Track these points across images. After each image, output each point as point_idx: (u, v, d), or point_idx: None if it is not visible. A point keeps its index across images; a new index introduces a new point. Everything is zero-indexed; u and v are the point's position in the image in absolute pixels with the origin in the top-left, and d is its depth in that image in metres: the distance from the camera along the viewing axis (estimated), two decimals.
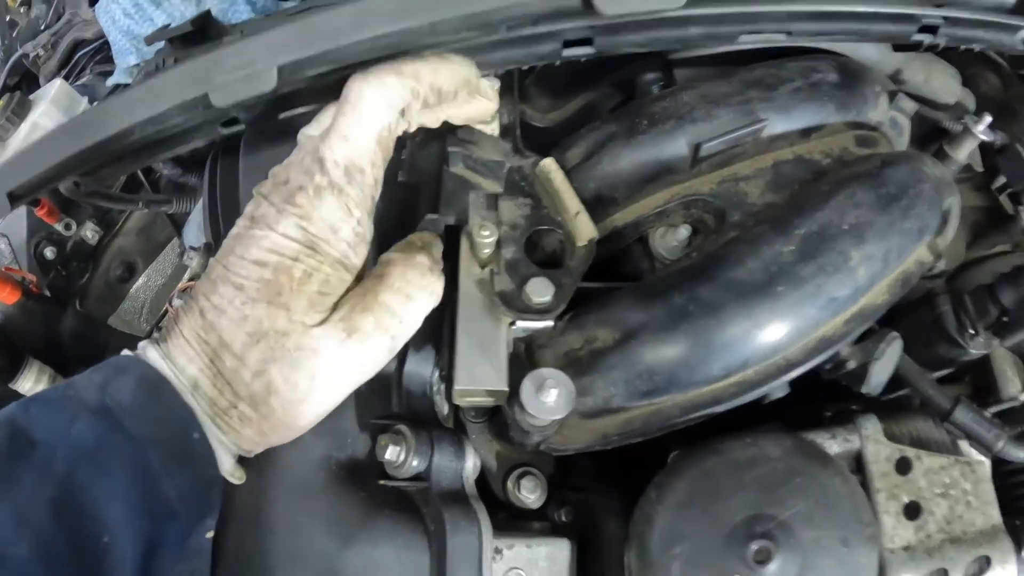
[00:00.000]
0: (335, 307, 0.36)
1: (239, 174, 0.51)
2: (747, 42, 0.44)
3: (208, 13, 0.51)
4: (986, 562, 0.43)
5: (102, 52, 0.89)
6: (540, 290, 0.43)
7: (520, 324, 0.44)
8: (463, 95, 0.40)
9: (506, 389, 0.41)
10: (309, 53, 0.38)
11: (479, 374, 0.42)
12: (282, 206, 0.36)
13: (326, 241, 0.36)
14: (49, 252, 0.80)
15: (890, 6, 0.43)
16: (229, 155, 0.53)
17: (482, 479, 0.48)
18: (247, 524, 0.41)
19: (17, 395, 0.74)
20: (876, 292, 0.43)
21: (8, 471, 0.32)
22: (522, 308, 0.43)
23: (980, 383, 0.53)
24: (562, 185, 0.47)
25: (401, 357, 0.47)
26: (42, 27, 1.01)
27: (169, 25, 0.59)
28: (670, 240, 0.48)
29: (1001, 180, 0.61)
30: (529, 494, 0.49)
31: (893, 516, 0.43)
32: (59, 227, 0.79)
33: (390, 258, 0.39)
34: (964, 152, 0.56)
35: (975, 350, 0.48)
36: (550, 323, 0.44)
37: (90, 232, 0.81)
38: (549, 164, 0.48)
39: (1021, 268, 0.46)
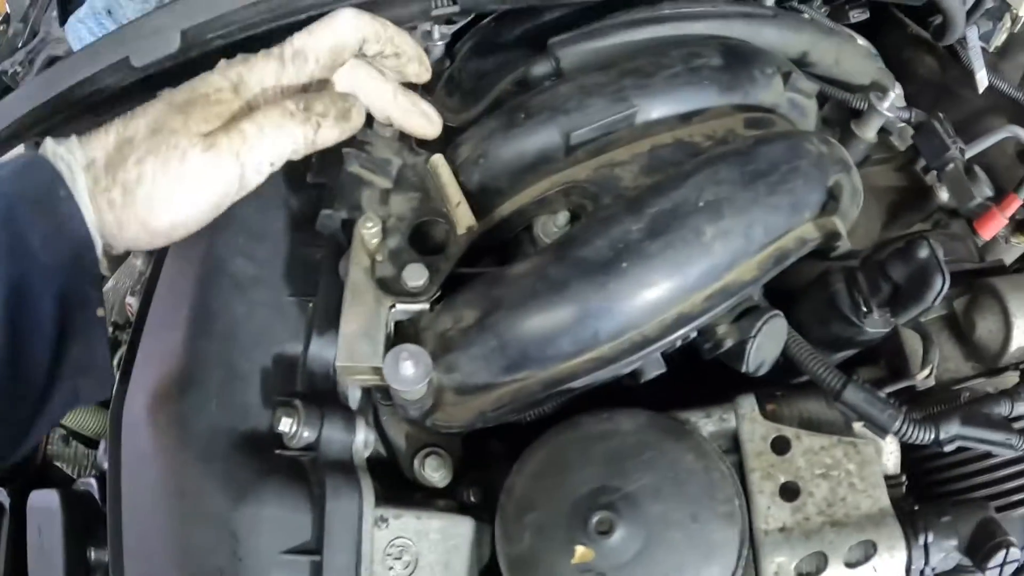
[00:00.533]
0: (214, 131, 0.42)
1: None
2: None
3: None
4: (872, 547, 0.41)
5: None
6: (415, 275, 0.47)
7: (399, 307, 0.47)
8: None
9: (381, 365, 0.45)
10: (207, 18, 0.45)
11: (358, 352, 0.46)
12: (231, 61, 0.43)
13: (249, 88, 0.42)
14: None
15: None
16: None
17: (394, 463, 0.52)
18: (152, 485, 0.46)
19: None
20: (743, 269, 0.44)
21: None
22: (399, 292, 0.47)
23: (895, 366, 0.51)
24: (448, 179, 0.51)
25: (306, 340, 0.52)
26: (19, 45, 1.11)
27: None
28: (551, 226, 0.50)
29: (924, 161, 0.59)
30: (434, 472, 0.52)
31: (768, 496, 0.43)
32: None
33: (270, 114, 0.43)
34: (871, 130, 0.55)
35: (871, 328, 0.47)
36: (426, 306, 0.47)
37: None
38: (437, 159, 0.51)
39: (911, 242, 0.45)
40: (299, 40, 0.44)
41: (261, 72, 0.43)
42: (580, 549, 0.38)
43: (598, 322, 0.42)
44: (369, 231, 0.48)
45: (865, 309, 0.47)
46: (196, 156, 0.41)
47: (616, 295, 0.41)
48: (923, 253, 0.43)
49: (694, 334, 0.47)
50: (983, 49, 0.67)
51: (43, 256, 0.39)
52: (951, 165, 0.57)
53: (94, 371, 0.42)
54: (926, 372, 0.48)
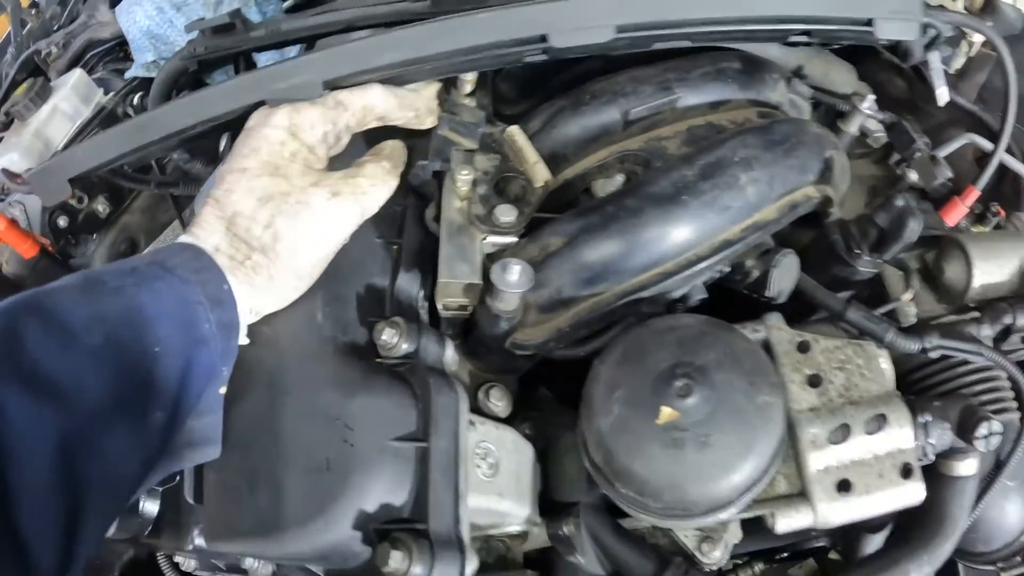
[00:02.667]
0: (320, 182, 0.54)
1: None
2: (659, 47, 0.64)
3: (239, 10, 0.72)
4: (884, 420, 0.56)
5: (112, 53, 1.08)
6: (506, 213, 0.60)
7: (490, 239, 0.60)
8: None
9: (480, 282, 0.57)
10: (344, 72, 0.58)
11: (458, 270, 0.58)
12: (276, 106, 0.55)
13: (304, 131, 0.54)
14: (62, 221, 0.91)
15: (766, 24, 0.63)
16: None
17: None
18: (263, 388, 0.54)
19: None
20: (767, 210, 0.60)
21: (86, 296, 0.46)
22: (492, 226, 0.60)
23: (883, 296, 0.68)
24: (524, 144, 0.66)
25: (392, 275, 0.63)
26: (55, 27, 1.19)
27: (203, 18, 0.79)
28: (608, 187, 0.65)
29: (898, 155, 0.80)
30: (498, 402, 0.63)
31: (798, 385, 0.57)
32: (73, 200, 0.91)
33: (365, 160, 0.58)
34: (854, 126, 0.75)
35: (863, 268, 0.64)
36: (514, 239, 0.60)
37: (101, 206, 0.92)
38: (514, 129, 0.67)
39: (890, 197, 0.63)
40: (342, 94, 0.57)
41: (310, 116, 0.55)
42: (666, 411, 0.50)
43: (664, 242, 0.57)
44: (464, 177, 0.62)
45: (857, 251, 0.64)
46: (323, 204, 0.53)
47: (678, 221, 0.57)
48: (900, 202, 0.61)
49: (728, 269, 0.62)
50: (944, 71, 0.89)
51: (210, 338, 0.48)
52: (918, 154, 0.78)
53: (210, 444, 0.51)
54: (909, 295, 0.65)
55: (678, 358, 0.52)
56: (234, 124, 0.60)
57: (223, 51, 0.73)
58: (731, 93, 0.68)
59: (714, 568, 0.64)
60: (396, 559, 0.46)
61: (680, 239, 0.57)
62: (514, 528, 0.62)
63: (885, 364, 0.61)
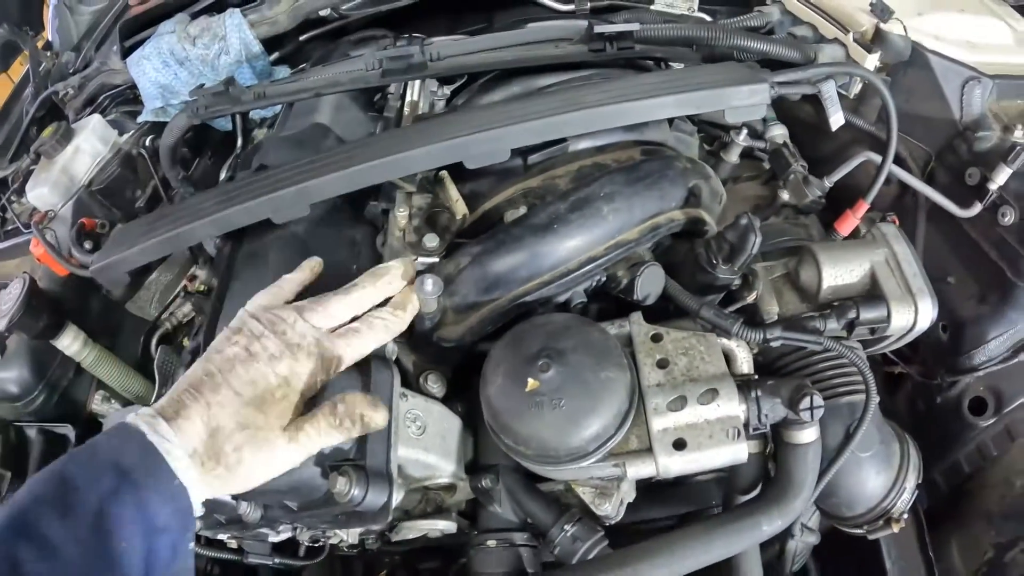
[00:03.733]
0: (288, 425, 0.67)
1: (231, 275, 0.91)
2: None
3: (232, 78, 0.99)
4: (715, 393, 0.75)
5: (123, 96, 1.33)
6: (431, 240, 0.84)
7: (420, 259, 0.84)
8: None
9: None
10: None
11: None
12: (278, 353, 0.67)
13: (298, 380, 0.68)
14: (87, 245, 1.06)
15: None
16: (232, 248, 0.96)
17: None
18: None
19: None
20: (629, 233, 0.83)
21: (61, 508, 0.57)
22: (421, 250, 0.83)
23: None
24: (450, 185, 0.90)
25: None
26: (71, 71, 1.45)
27: (203, 85, 1.04)
28: (512, 216, 0.87)
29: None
30: (434, 384, 0.86)
31: (649, 366, 0.78)
32: (97, 226, 1.08)
33: (321, 409, 0.68)
34: (733, 155, 0.95)
35: (721, 275, 0.84)
36: (437, 259, 0.83)
37: None
38: (444, 173, 0.91)
39: (738, 216, 0.82)
40: (339, 348, 0.70)
41: (309, 368, 0.68)
42: (531, 381, 0.71)
43: (541, 260, 0.80)
44: (402, 213, 0.86)
45: (714, 262, 0.83)
46: (283, 447, 0.66)
47: (551, 244, 0.79)
48: (744, 221, 0.81)
49: (604, 278, 0.83)
50: (843, 96, 1.04)
51: (167, 527, 0.58)
52: (792, 176, 0.96)
53: None
54: (752, 296, 0.84)
55: (544, 344, 0.73)
56: None
57: (217, 110, 0.98)
58: (616, 136, 0.90)
59: (610, 520, 0.84)
60: (341, 483, 0.69)
61: (553, 258, 0.80)
62: (444, 480, 0.84)
63: (743, 353, 0.80)
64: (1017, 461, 1.01)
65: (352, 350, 0.72)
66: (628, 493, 0.88)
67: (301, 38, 1.15)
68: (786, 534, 1.01)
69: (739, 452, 0.75)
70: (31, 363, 1.05)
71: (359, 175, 0.81)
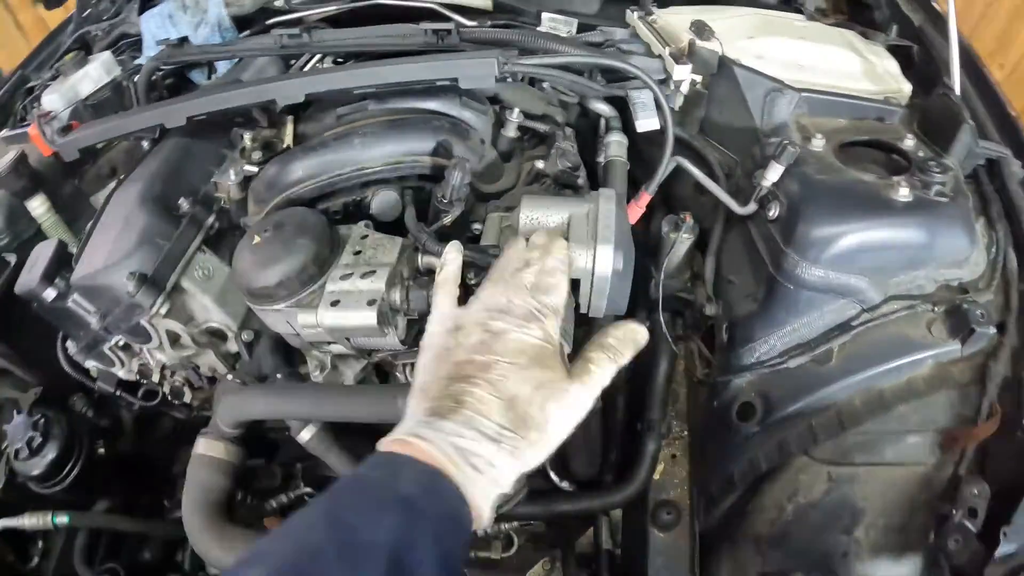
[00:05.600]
0: (569, 370, 0.71)
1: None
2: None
3: (186, 37, 1.45)
4: (373, 273, 1.00)
5: (137, 43, 1.72)
6: (257, 155, 1.22)
7: (247, 168, 1.22)
8: None
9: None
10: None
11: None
12: (534, 313, 0.73)
13: (554, 336, 0.73)
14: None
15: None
16: None
17: None
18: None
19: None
20: (372, 164, 1.16)
21: (350, 561, 0.53)
22: (249, 160, 1.22)
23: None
24: (288, 125, 1.28)
25: None
26: (104, 17, 1.85)
27: (168, 39, 1.48)
28: None
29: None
30: None
31: (348, 254, 1.08)
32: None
33: (592, 345, 0.74)
34: (511, 130, 1.25)
35: (441, 205, 1.11)
36: (257, 168, 1.22)
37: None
38: (288, 117, 1.28)
39: (452, 162, 1.10)
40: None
41: (551, 329, 0.72)
42: (257, 237, 1.05)
43: (309, 170, 1.16)
44: (248, 136, 1.25)
45: (440, 196, 1.11)
46: (577, 390, 0.69)
47: (313, 158, 1.16)
48: (453, 163, 1.08)
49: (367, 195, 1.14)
50: (671, 109, 1.17)
51: (457, 563, 0.58)
52: (553, 150, 1.21)
53: None
54: (448, 219, 1.11)
55: (280, 219, 1.07)
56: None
57: (173, 60, 1.45)
58: (409, 103, 1.22)
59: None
60: (130, 283, 1.07)
61: (314, 169, 1.16)
62: (214, 324, 1.18)
63: (428, 260, 1.07)
64: (791, 482, 1.00)
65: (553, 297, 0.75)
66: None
67: (267, 23, 1.59)
68: None
69: (369, 318, 0.94)
70: (5, 212, 1.37)
71: (221, 100, 1.22)
